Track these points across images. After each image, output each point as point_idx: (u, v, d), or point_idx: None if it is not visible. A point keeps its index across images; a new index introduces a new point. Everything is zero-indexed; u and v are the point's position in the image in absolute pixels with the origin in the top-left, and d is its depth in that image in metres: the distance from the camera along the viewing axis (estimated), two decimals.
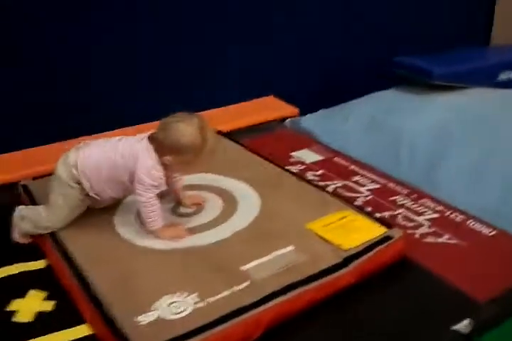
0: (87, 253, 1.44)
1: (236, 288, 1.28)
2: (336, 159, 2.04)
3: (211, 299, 1.24)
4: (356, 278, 1.35)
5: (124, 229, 1.54)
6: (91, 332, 1.25)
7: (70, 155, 1.46)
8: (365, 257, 1.36)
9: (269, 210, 1.60)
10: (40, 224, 1.50)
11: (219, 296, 1.25)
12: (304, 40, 2.61)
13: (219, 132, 2.13)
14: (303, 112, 2.44)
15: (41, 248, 1.54)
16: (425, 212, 1.68)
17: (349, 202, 1.65)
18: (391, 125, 2.12)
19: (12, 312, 1.32)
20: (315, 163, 2.01)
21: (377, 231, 1.45)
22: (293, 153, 2.09)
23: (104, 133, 2.05)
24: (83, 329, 1.26)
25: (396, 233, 1.44)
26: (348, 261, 1.35)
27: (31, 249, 1.54)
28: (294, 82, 2.64)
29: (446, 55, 2.39)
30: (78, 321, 1.28)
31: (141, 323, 1.19)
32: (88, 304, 1.27)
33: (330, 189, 1.81)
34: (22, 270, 1.47)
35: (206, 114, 2.33)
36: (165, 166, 1.42)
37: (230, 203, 1.65)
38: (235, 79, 2.48)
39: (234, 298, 1.25)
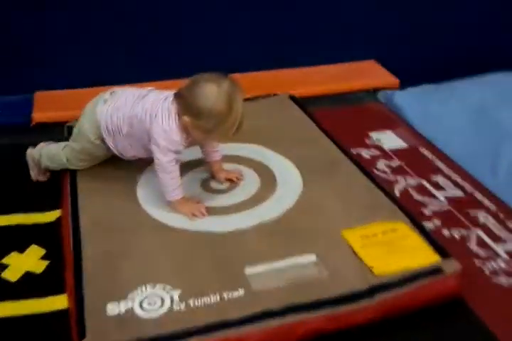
0: (94, 214, 1.33)
1: (226, 296, 1.07)
2: (421, 149, 1.67)
3: (193, 302, 1.05)
4: (380, 314, 1.06)
5: (145, 193, 1.39)
6: (65, 307, 1.13)
7: (97, 110, 1.35)
8: (397, 291, 1.07)
9: (307, 203, 1.33)
10: (59, 158, 1.42)
11: (203, 301, 1.05)
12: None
13: (291, 97, 1.86)
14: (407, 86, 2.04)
15: (61, 198, 1.45)
16: (511, 240, 1.30)
17: (412, 209, 1.33)
18: (499, 118, 1.67)
19: (4, 266, 1.24)
20: (394, 151, 1.66)
21: (427, 258, 1.13)
22: (372, 134, 1.75)
23: None
24: (60, 301, 1.15)
25: (450, 266, 1.11)
26: (374, 290, 1.07)
27: (53, 197, 1.46)
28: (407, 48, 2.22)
29: None
30: (59, 290, 1.17)
31: (108, 314, 1.03)
32: (71, 275, 1.15)
33: (399, 187, 1.48)
34: (34, 221, 1.39)
35: (284, 72, 2.06)
36: (186, 131, 1.24)
37: (268, 186, 1.41)
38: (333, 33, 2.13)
39: (218, 308, 1.04)
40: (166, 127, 1.22)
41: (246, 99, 1.82)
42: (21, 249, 1.29)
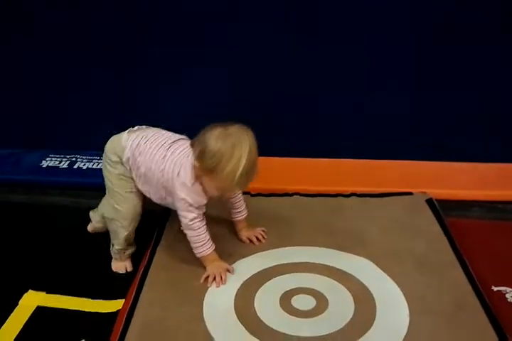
0: (150, 315, 1.16)
1: None
2: None
3: None
4: None
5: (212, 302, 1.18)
6: None
7: (122, 138, 1.32)
8: None
9: None
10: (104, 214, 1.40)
11: None
12: None
13: (428, 200, 1.51)
14: None
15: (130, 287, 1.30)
16: None
17: None
18: None
19: None
20: None
21: None
22: None
23: None
24: None
25: None
26: None
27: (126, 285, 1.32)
28: None
29: None
30: None
31: None
32: None
33: None
34: (94, 309, 1.26)
35: (423, 165, 1.73)
36: (201, 181, 1.22)
37: (358, 324, 1.10)
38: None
39: None
40: (188, 184, 1.22)
41: (368, 195, 1.59)
42: None
